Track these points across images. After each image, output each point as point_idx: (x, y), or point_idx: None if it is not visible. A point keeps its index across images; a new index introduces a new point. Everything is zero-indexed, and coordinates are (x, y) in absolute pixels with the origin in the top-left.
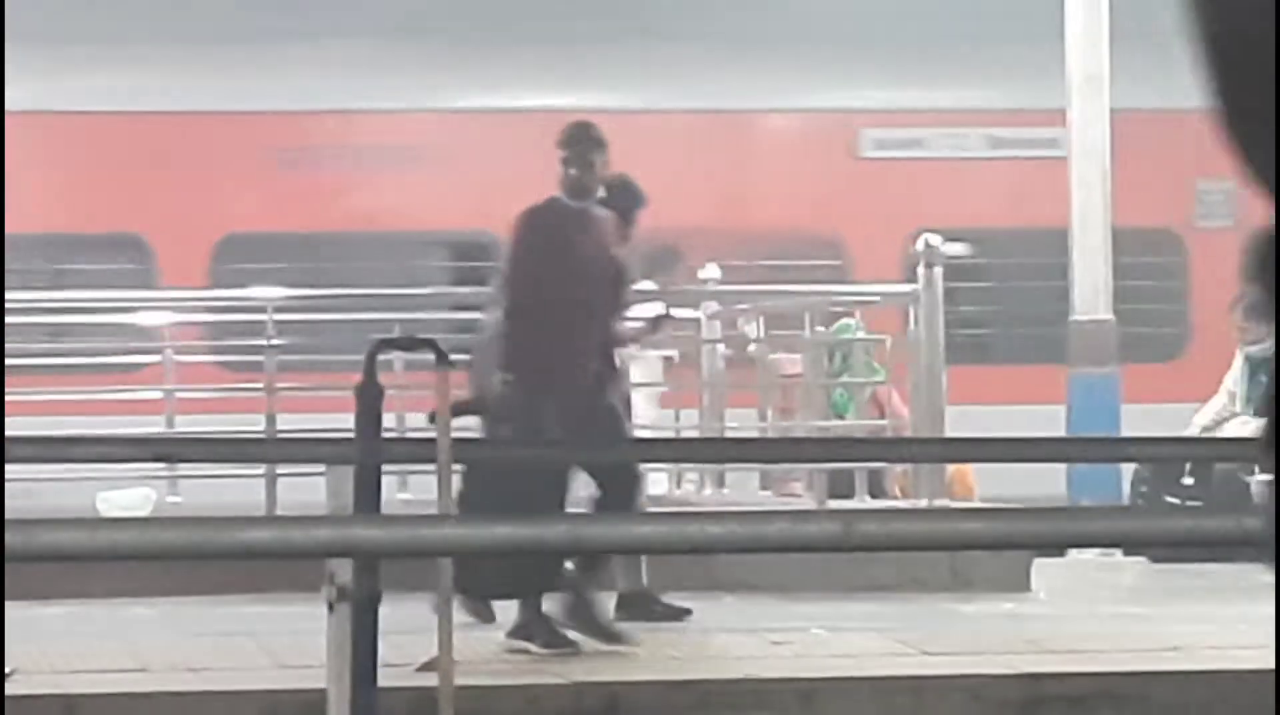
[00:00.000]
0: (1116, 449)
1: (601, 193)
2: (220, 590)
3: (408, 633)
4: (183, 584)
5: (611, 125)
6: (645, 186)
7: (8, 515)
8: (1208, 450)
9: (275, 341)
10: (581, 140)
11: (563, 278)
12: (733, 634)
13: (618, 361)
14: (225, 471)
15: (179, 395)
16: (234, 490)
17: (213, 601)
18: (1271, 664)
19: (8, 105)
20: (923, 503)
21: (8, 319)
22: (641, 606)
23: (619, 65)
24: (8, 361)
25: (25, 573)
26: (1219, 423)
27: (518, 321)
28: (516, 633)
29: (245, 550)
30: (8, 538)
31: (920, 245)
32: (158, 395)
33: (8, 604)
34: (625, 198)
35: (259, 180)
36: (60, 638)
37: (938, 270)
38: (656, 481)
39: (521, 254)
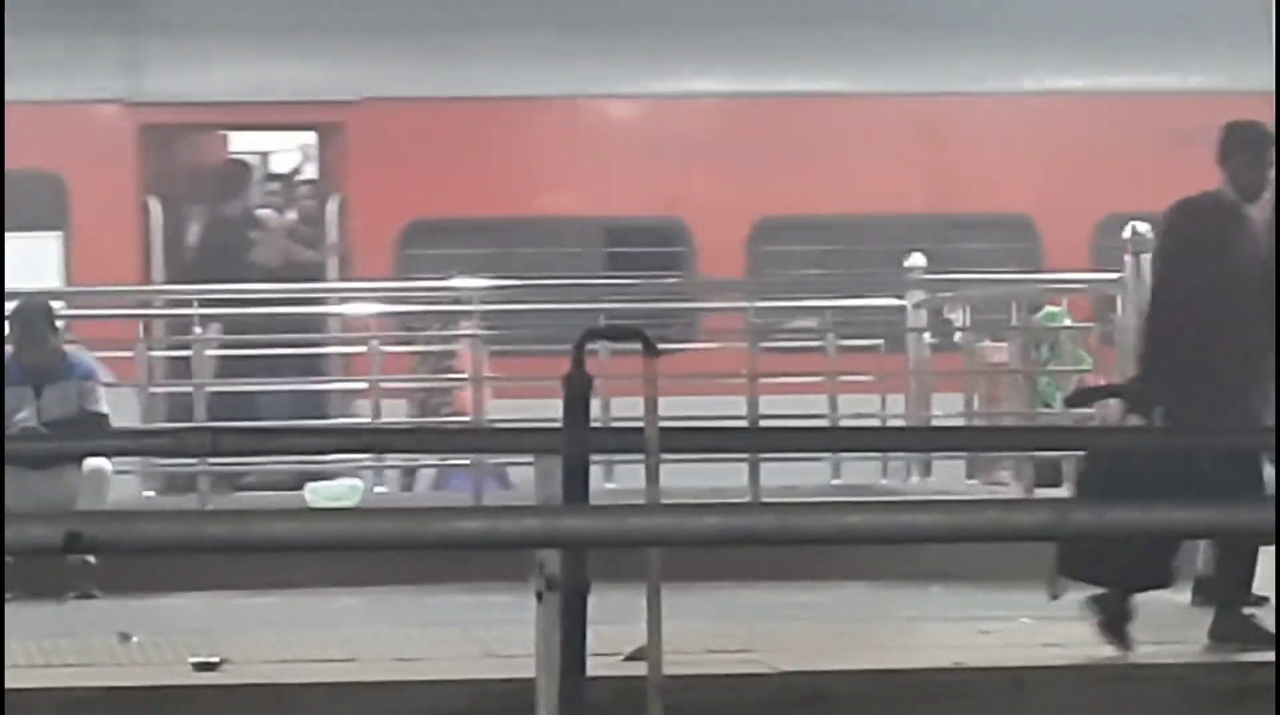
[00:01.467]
0: None
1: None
2: (427, 580)
3: (615, 622)
4: (390, 574)
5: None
6: (855, 170)
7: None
8: None
9: (478, 331)
10: (1259, 141)
11: (1215, 276)
12: (940, 623)
13: (1255, 368)
14: (433, 462)
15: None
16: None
17: (420, 591)
18: None
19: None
20: None
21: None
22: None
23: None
24: (226, 353)
25: (234, 563)
26: None
27: (1162, 314)
28: (1220, 632)
29: (455, 540)
30: (217, 529)
31: (1127, 233)
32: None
33: (217, 594)
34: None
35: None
36: (269, 628)
37: (1145, 257)
38: (862, 471)
39: (1172, 246)
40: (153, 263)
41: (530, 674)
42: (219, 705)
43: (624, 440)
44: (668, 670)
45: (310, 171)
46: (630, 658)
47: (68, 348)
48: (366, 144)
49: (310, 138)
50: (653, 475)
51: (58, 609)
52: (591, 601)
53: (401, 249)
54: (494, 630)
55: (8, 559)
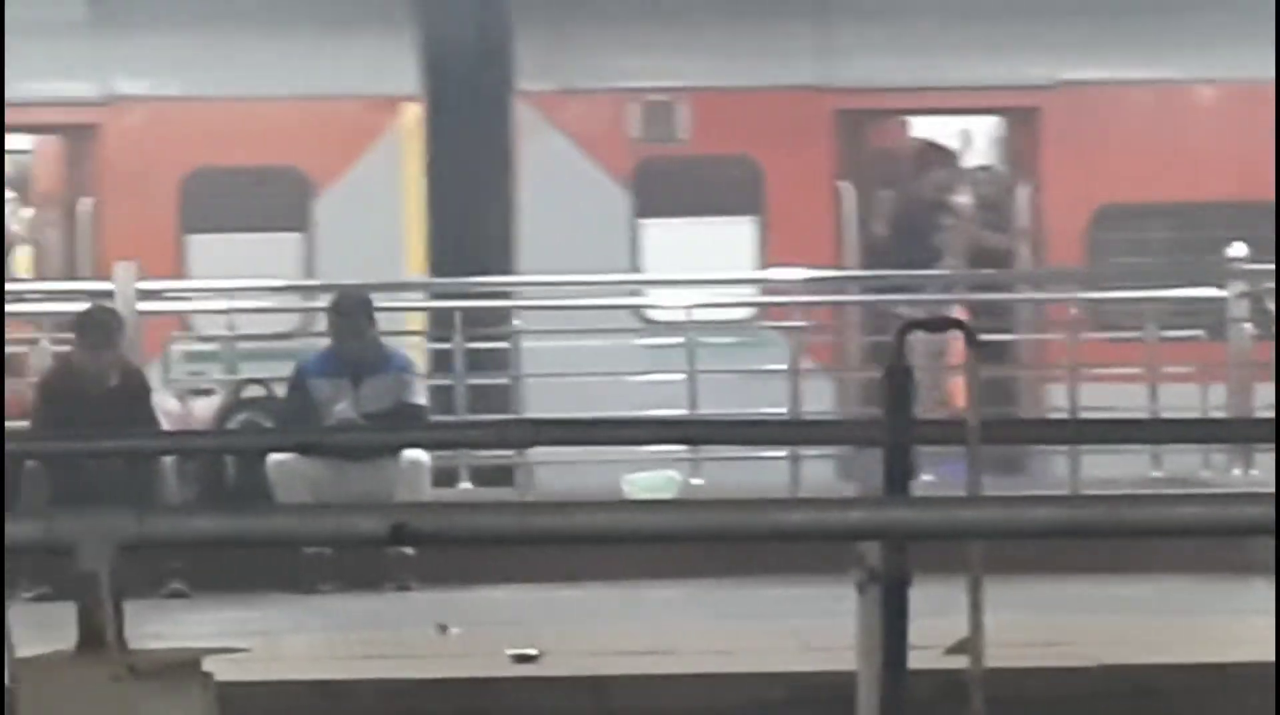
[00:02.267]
0: None
1: None
2: (744, 572)
3: (936, 615)
4: (707, 566)
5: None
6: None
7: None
8: None
9: None
10: None
11: None
12: (1264, 616)
13: None
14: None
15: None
16: (743, 471)
17: (738, 584)
18: None
19: None
20: None
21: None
22: None
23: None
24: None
25: (552, 555)
26: None
27: None
28: None
29: (778, 532)
30: (542, 520)
31: None
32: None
33: (534, 586)
34: None
35: None
36: (587, 620)
37: None
38: (1181, 463)
39: None
40: (844, 247)
41: (850, 667)
42: (538, 697)
43: (945, 432)
44: (989, 663)
45: (996, 157)
46: (951, 651)
47: (384, 340)
48: (1059, 129)
49: (996, 123)
50: (974, 467)
51: (376, 601)
52: (911, 594)
53: (1091, 234)
54: (812, 623)
55: (326, 551)
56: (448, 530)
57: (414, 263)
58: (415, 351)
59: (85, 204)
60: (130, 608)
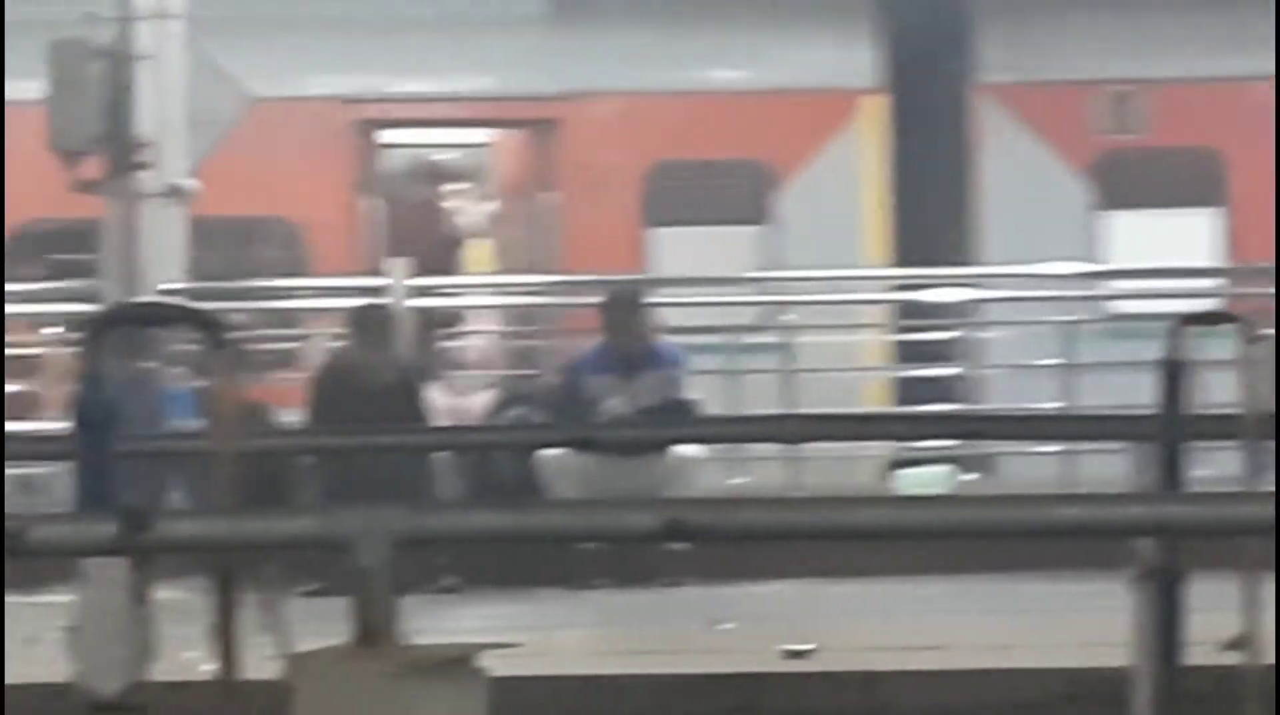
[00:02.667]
0: None
1: None
2: (1015, 567)
3: (1212, 610)
4: (977, 561)
5: None
6: None
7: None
8: None
9: None
10: None
11: None
12: None
13: None
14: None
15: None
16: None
17: (1008, 579)
18: None
19: None
20: None
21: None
22: None
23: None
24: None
25: (822, 550)
26: None
27: None
28: None
29: (1055, 528)
30: (815, 515)
31: None
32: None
33: (806, 581)
34: None
35: None
36: (859, 615)
37: None
38: None
39: None
40: None
41: (1123, 663)
42: (811, 692)
43: (1221, 426)
44: (1268, 659)
45: None
46: (1228, 646)
47: (657, 336)
48: None
49: None
50: (1253, 462)
51: (648, 596)
52: (1186, 589)
53: None
54: (1086, 617)
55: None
56: (721, 526)
57: (874, 254)
58: (873, 347)
59: (548, 198)
60: (404, 603)
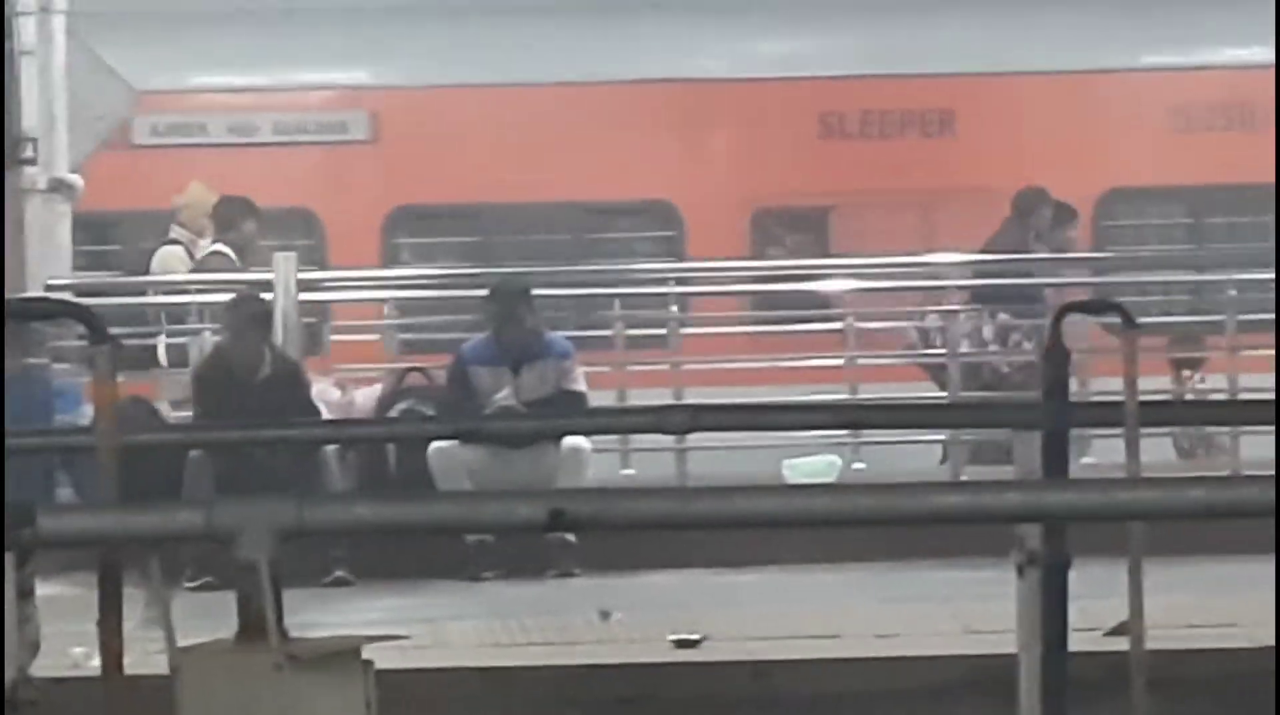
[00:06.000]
0: None
1: None
2: (905, 556)
3: (1096, 597)
4: (868, 550)
5: None
6: None
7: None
8: None
9: None
10: None
11: None
12: None
13: None
14: (904, 438)
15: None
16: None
17: (899, 567)
18: None
19: None
20: None
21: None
22: None
23: None
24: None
25: (713, 540)
26: None
27: None
28: None
29: (937, 515)
30: (701, 505)
31: None
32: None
33: (696, 571)
34: None
35: None
36: (749, 605)
37: None
38: None
39: None
40: None
41: (1011, 649)
42: (700, 682)
43: (1102, 414)
44: (1150, 645)
45: None
46: (1112, 633)
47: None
48: None
49: None
50: (1133, 450)
51: (538, 587)
52: (1071, 576)
53: None
54: (974, 606)
55: (489, 538)
56: (606, 516)
57: None
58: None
59: None
60: (293, 596)
